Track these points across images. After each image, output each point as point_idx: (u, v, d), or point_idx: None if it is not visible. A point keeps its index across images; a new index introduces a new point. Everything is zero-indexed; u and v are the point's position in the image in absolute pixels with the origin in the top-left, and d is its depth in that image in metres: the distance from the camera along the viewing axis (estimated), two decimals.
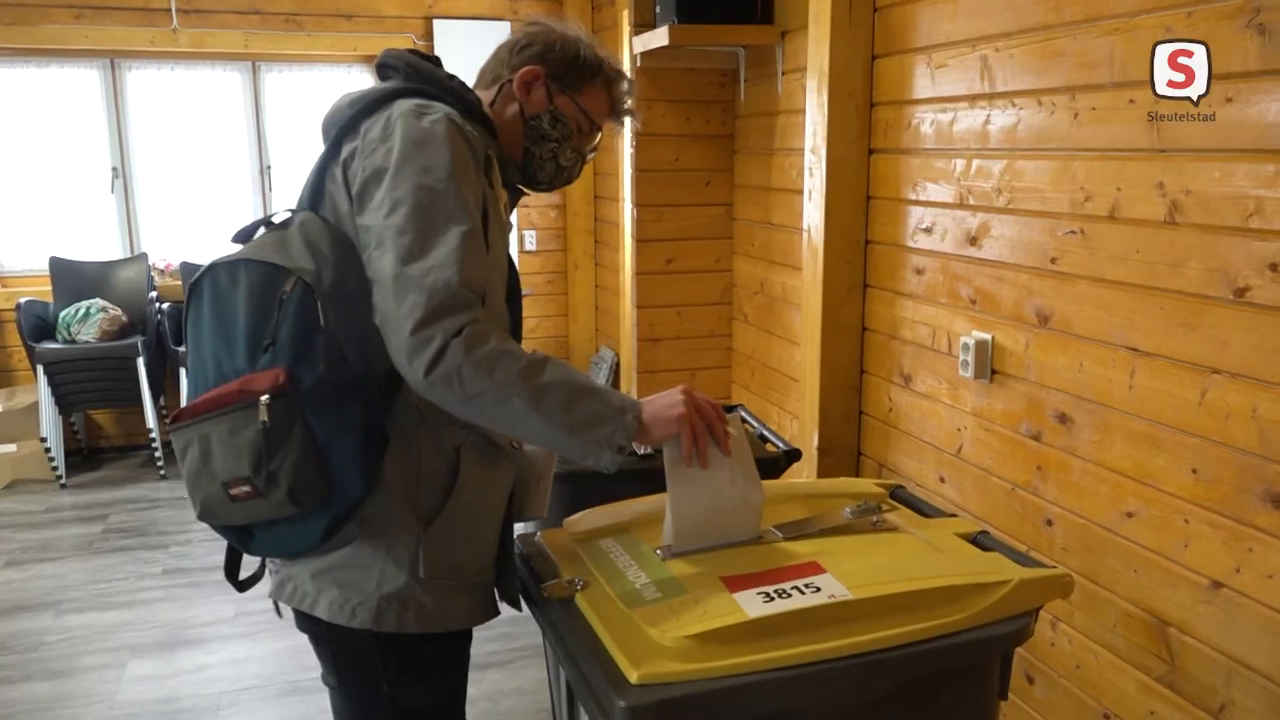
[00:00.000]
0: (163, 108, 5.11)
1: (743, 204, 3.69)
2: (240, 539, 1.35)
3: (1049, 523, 2.16)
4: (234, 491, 1.24)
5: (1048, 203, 2.10)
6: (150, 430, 4.75)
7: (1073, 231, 2.04)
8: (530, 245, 5.54)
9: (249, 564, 1.45)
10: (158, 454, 4.82)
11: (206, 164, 5.20)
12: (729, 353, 3.85)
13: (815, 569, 1.29)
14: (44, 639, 3.22)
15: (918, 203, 2.58)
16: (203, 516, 1.31)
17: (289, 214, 1.36)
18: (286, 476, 1.22)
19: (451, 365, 1.20)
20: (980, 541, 1.46)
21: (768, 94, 3.42)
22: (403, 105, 1.33)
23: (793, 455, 2.39)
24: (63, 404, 4.68)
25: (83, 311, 4.65)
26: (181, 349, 4.64)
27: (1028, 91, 2.14)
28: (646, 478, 2.36)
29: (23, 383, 4.92)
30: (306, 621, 1.41)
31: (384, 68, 1.47)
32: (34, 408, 4.61)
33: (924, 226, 2.56)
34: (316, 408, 1.23)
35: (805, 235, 2.92)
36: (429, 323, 1.20)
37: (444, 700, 1.47)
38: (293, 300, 1.23)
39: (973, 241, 2.36)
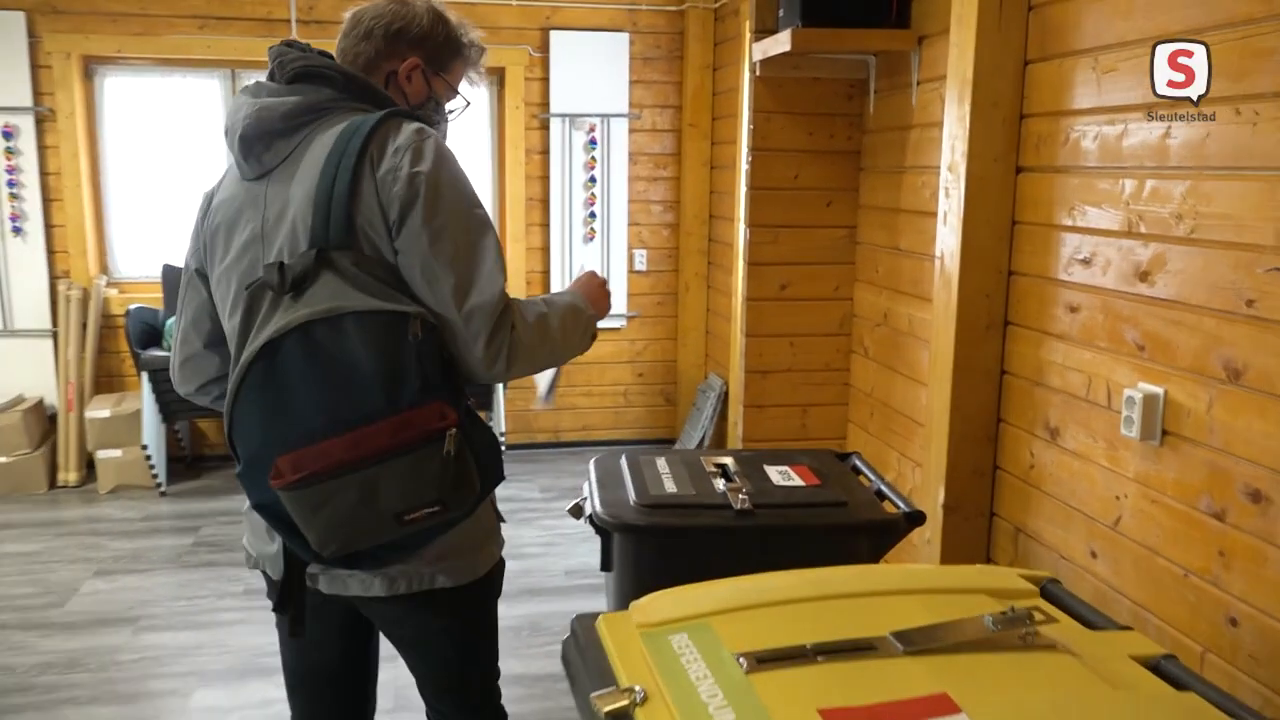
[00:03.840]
0: None
1: (867, 227, 3.36)
2: (351, 562, 1.45)
3: (1233, 622, 1.77)
4: (411, 517, 1.37)
5: (1244, 233, 1.73)
6: None
7: (1277, 269, 1.66)
8: (640, 265, 5.31)
9: None
10: None
11: None
12: (845, 389, 3.51)
13: (947, 706, 0.98)
14: (118, 658, 3.12)
15: (1074, 229, 2.22)
16: (338, 551, 1.40)
17: (315, 253, 1.37)
18: (469, 490, 1.41)
19: (517, 356, 1.43)
20: (1167, 672, 1.11)
21: (900, 106, 3.09)
22: (402, 129, 1.42)
23: (914, 518, 2.06)
24: (166, 412, 4.67)
25: None
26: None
27: (1223, 99, 1.76)
28: (741, 539, 2.07)
29: (133, 389, 4.95)
30: (414, 599, 1.53)
31: (310, 75, 1.47)
32: (139, 414, 4.62)
33: (1081, 257, 2.19)
34: (470, 425, 1.41)
35: (938, 263, 2.58)
36: (496, 335, 1.40)
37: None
38: (427, 340, 1.35)
39: (1143, 277, 1.99)
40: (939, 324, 2.58)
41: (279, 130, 1.44)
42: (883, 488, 2.22)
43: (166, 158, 5.03)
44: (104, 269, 5.03)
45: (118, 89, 4.95)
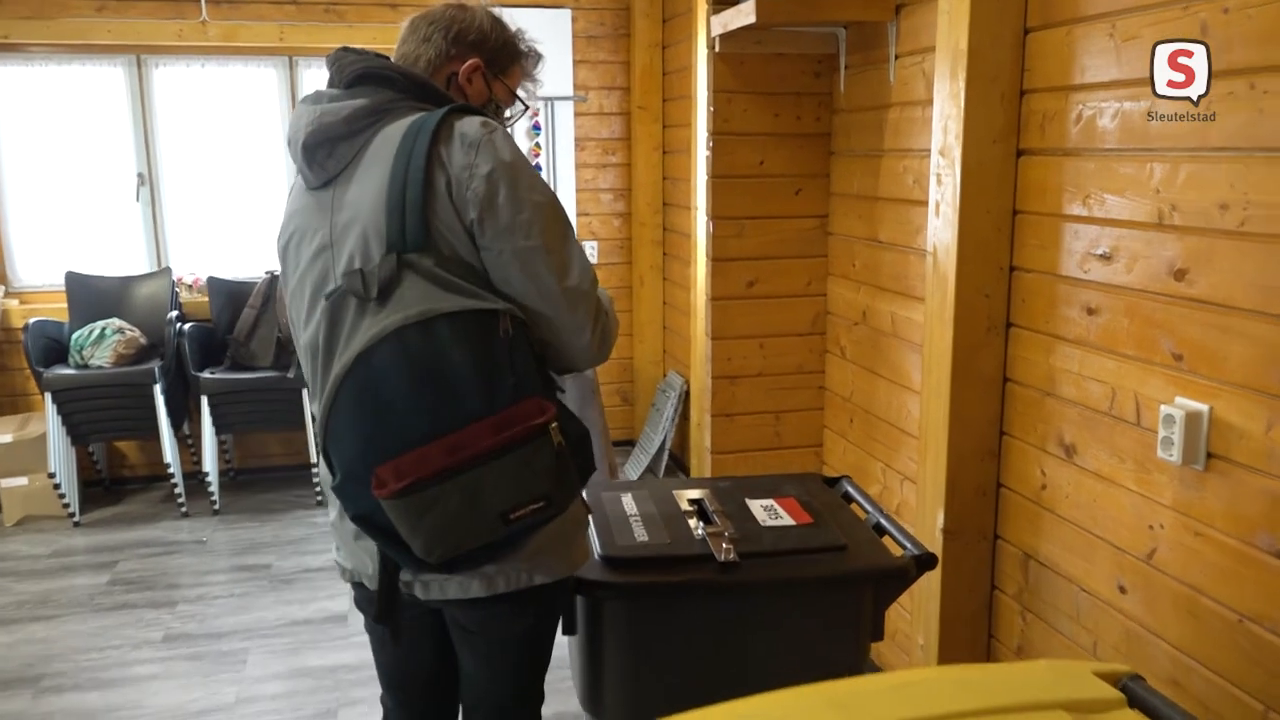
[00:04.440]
0: (192, 108, 4.67)
1: (841, 216, 3.08)
2: (452, 565, 1.42)
3: None
4: (517, 514, 1.36)
5: None
6: (168, 464, 4.30)
7: None
8: (591, 257, 4.98)
9: None
10: (178, 489, 4.36)
11: (238, 168, 4.75)
12: (821, 392, 3.23)
13: None
14: None
15: (1089, 220, 1.95)
16: (444, 556, 1.37)
17: (394, 258, 1.36)
18: (573, 482, 1.42)
19: (611, 339, 1.52)
20: None
21: (875, 83, 2.81)
22: (468, 125, 1.41)
23: (926, 562, 1.78)
24: (75, 434, 4.26)
25: (97, 333, 4.22)
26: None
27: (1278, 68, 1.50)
28: (728, 598, 1.78)
29: (39, 409, 4.51)
30: (507, 600, 1.50)
31: (369, 77, 1.46)
32: (45, 438, 4.20)
33: (1099, 252, 1.93)
34: (564, 417, 1.40)
35: (930, 258, 2.30)
36: (597, 321, 1.47)
37: None
38: (517, 336, 1.35)
39: (1179, 275, 1.72)
40: (932, 326, 2.30)
41: (342, 134, 1.43)
42: (883, 521, 1.94)
43: (69, 154, 4.58)
44: (1, 278, 4.58)
45: (10, 79, 4.49)
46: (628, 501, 1.97)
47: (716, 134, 3.03)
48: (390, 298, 1.34)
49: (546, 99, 4.72)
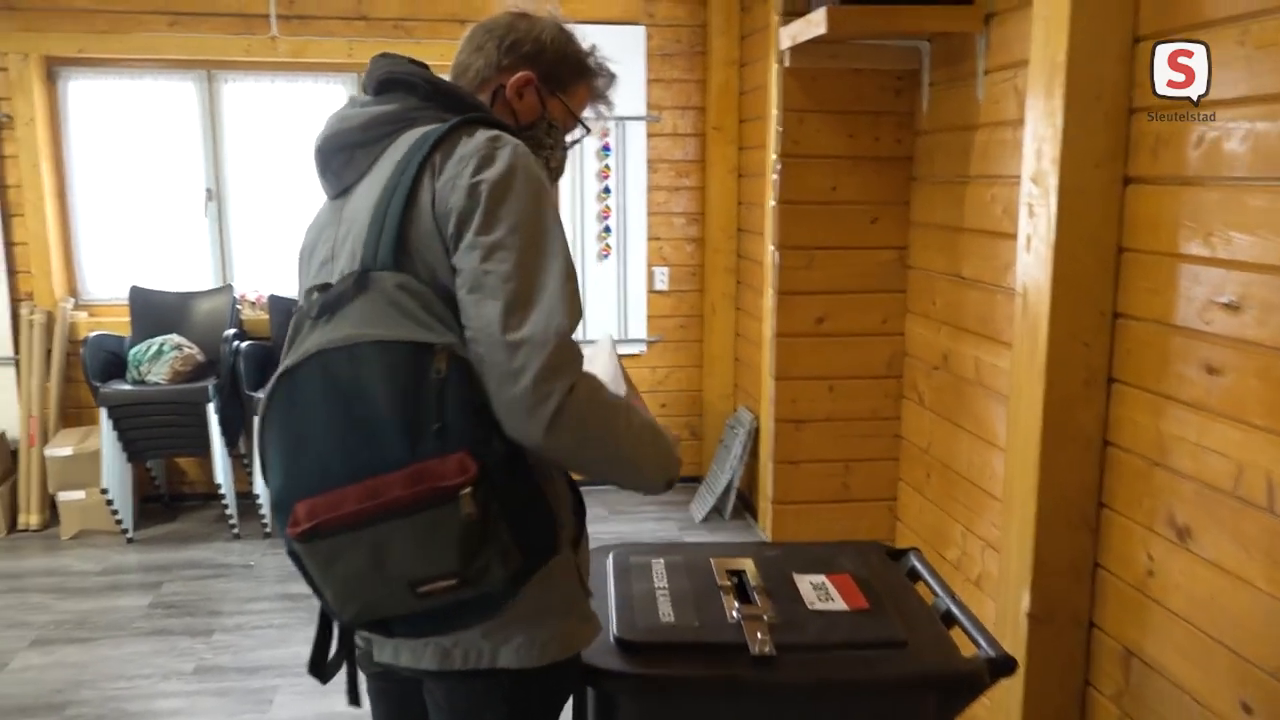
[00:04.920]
0: (260, 123, 4.63)
1: (921, 249, 2.79)
2: (385, 627, 1.26)
3: None
4: (427, 589, 1.18)
5: None
6: (219, 484, 4.22)
7: None
8: (661, 284, 4.76)
9: None
10: (229, 510, 4.28)
11: (305, 185, 4.67)
12: (896, 441, 2.94)
13: None
14: None
15: (1212, 261, 1.65)
16: (357, 620, 1.24)
17: (357, 274, 1.22)
18: (499, 564, 1.18)
19: (567, 420, 1.17)
20: None
21: (962, 101, 2.53)
22: (474, 136, 1.26)
23: (1002, 667, 1.50)
24: (130, 450, 4.20)
25: (155, 349, 4.17)
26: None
27: None
28: (760, 700, 1.53)
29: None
30: (467, 679, 1.30)
31: (394, 83, 1.35)
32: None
33: (1224, 300, 1.62)
34: (504, 484, 1.18)
35: (1019, 299, 2.01)
36: (547, 380, 1.17)
37: None
38: (452, 379, 1.16)
39: None
40: (1021, 376, 2.01)
41: (357, 141, 1.33)
42: (954, 609, 1.66)
43: (138, 167, 4.57)
44: (71, 290, 4.59)
45: (83, 92, 4.50)
46: (658, 571, 1.73)
47: (785, 156, 2.79)
48: (334, 318, 1.20)
49: (618, 119, 4.54)
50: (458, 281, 1.21)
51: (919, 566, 1.83)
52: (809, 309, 2.85)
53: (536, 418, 1.16)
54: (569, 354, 1.19)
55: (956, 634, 1.61)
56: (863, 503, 2.92)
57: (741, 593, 1.65)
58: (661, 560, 1.77)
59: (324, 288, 1.25)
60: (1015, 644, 2.00)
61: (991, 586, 2.37)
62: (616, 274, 4.69)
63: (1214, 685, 1.66)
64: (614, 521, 4.55)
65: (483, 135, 1.26)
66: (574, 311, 1.21)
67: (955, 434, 2.60)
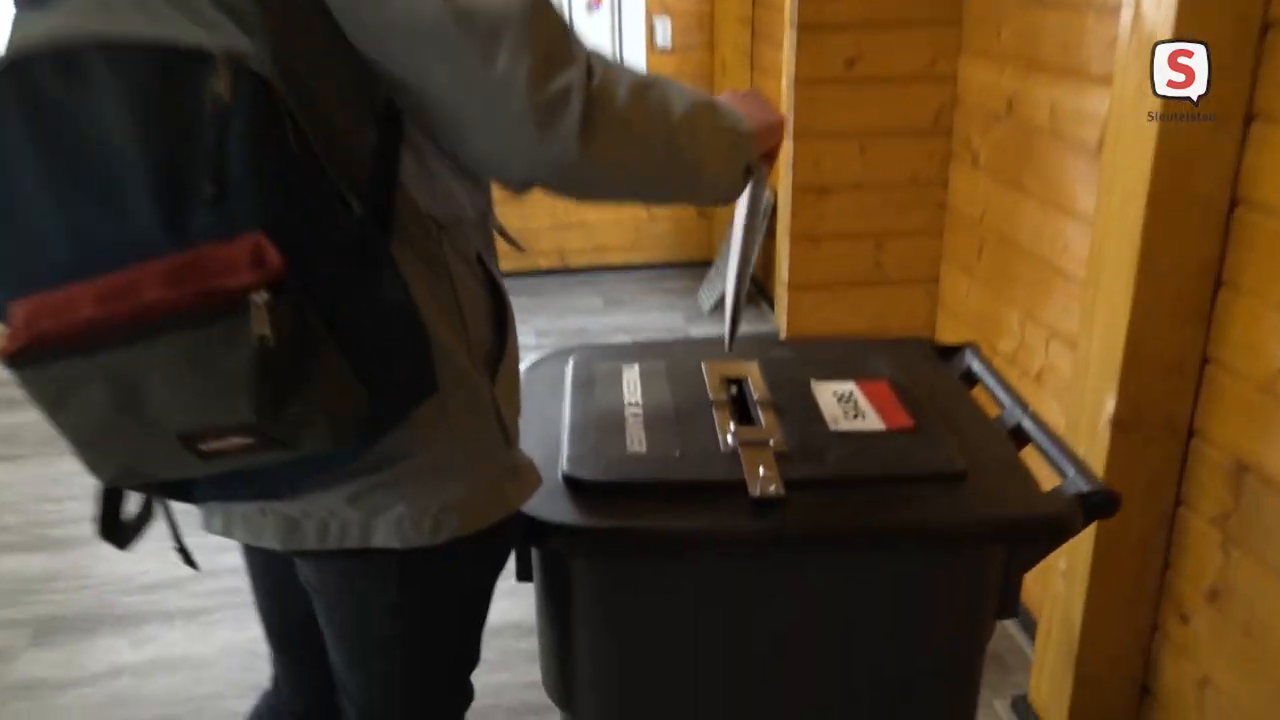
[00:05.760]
0: None
1: None
2: (182, 490, 0.91)
3: None
4: (210, 446, 0.78)
5: None
6: None
7: None
8: (663, 40, 4.15)
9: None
10: None
11: None
12: (940, 211, 2.45)
13: None
14: None
15: None
16: (119, 481, 0.89)
17: None
18: (324, 414, 0.77)
19: (611, 116, 0.83)
20: None
21: None
22: None
23: (1100, 506, 1.08)
24: None
25: None
26: None
27: None
28: (763, 561, 1.13)
29: None
30: (336, 559, 0.93)
31: None
32: None
33: None
34: (330, 286, 0.77)
35: (1128, 13, 1.47)
36: (549, 71, 0.79)
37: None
38: (239, 108, 0.70)
39: None
40: (1126, 118, 1.50)
41: None
42: (1027, 424, 1.24)
43: None
44: None
45: None
46: (630, 381, 1.30)
47: None
48: (48, 3, 0.76)
49: None
50: None
51: (978, 368, 1.40)
52: (837, 48, 2.29)
53: (560, 133, 0.80)
54: (557, 25, 0.82)
55: (1030, 455, 1.20)
56: (898, 285, 2.47)
57: (741, 409, 1.23)
58: (636, 366, 1.34)
59: None
60: (1092, 456, 1.59)
61: (1057, 387, 1.95)
62: (610, 27, 4.08)
63: None
64: (610, 313, 4.14)
65: None
66: None
67: (1019, 200, 2.10)
